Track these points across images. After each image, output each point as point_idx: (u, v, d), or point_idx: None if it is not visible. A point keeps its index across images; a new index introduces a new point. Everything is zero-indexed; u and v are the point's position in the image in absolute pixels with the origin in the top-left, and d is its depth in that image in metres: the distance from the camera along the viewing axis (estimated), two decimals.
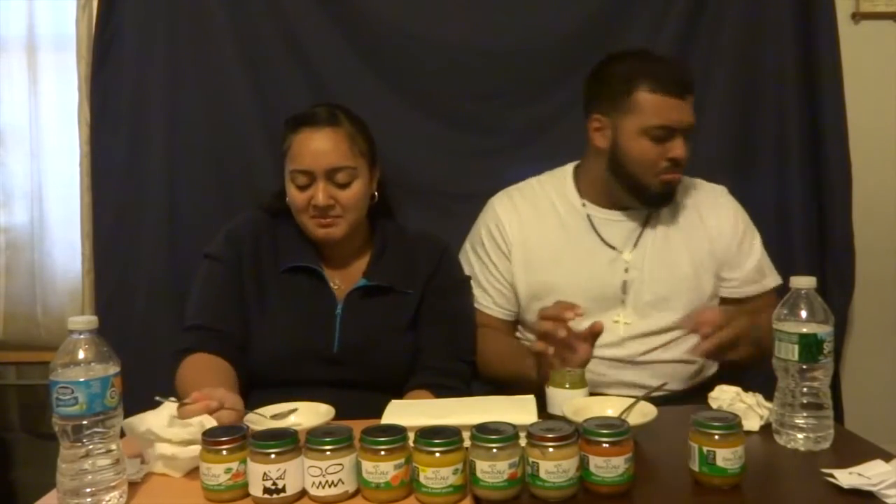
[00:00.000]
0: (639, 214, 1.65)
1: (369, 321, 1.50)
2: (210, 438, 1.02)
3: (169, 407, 1.15)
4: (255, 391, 1.46)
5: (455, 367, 1.53)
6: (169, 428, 1.10)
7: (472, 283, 1.68)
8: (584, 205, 1.66)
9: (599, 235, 1.64)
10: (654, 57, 1.63)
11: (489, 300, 1.68)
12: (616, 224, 1.65)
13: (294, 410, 1.24)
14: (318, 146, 1.48)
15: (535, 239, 1.65)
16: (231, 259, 1.53)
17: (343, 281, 1.54)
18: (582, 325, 1.37)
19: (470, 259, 1.72)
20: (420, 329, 1.55)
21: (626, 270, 1.62)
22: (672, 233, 1.66)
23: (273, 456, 0.98)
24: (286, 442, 0.99)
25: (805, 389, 1.16)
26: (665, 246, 1.64)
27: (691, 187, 1.72)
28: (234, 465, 1.00)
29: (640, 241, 1.64)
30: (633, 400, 1.23)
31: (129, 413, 1.08)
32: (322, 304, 1.51)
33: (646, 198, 1.61)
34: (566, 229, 1.65)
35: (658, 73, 1.55)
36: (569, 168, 1.73)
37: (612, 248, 1.63)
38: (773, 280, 1.71)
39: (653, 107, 1.54)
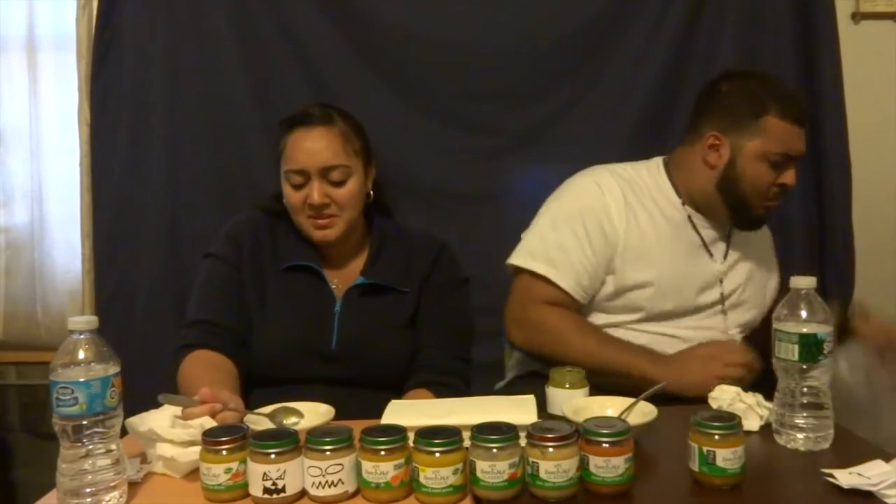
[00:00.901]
0: (722, 229, 1.66)
1: (367, 319, 1.51)
2: (210, 438, 1.02)
3: (171, 407, 1.15)
4: (256, 390, 1.46)
5: (454, 366, 1.53)
6: (171, 428, 1.10)
7: (555, 252, 1.59)
8: (683, 204, 1.64)
9: (701, 238, 1.63)
10: (778, 82, 1.63)
11: (574, 279, 1.58)
12: (708, 231, 1.64)
13: (298, 418, 1.24)
14: (312, 145, 1.49)
15: (642, 230, 1.60)
16: (232, 258, 1.53)
17: (341, 279, 1.55)
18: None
19: (561, 229, 1.60)
20: (418, 328, 1.55)
21: (721, 281, 1.63)
22: (749, 255, 1.68)
23: (273, 456, 0.98)
24: (286, 442, 0.99)
25: (805, 389, 1.16)
26: (745, 265, 1.67)
27: None
28: (234, 465, 1.00)
29: (728, 254, 1.65)
30: (633, 400, 1.23)
31: (129, 413, 1.08)
32: (321, 302, 1.52)
33: (744, 219, 1.62)
34: (671, 225, 1.62)
35: (786, 100, 1.55)
36: (658, 163, 1.69)
37: (710, 254, 1.63)
38: None
39: (780, 133, 1.54)
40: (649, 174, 1.67)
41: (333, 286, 1.53)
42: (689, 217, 1.64)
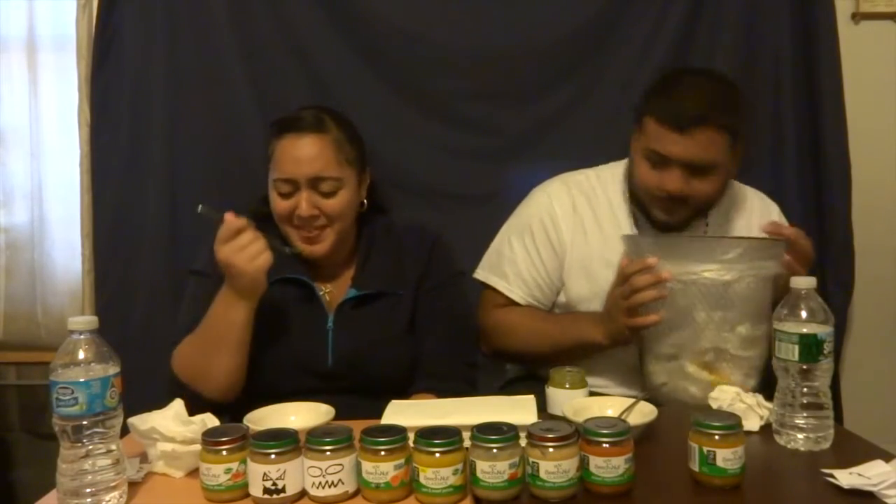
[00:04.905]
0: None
1: (363, 332, 1.46)
2: (210, 438, 1.02)
3: (174, 406, 1.15)
4: (254, 405, 1.42)
5: (460, 371, 1.50)
6: (172, 426, 1.10)
7: (507, 266, 1.63)
8: (630, 212, 1.62)
9: None
10: (681, 83, 1.55)
11: (524, 290, 1.63)
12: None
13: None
14: (302, 153, 1.43)
15: (588, 243, 1.60)
16: (217, 273, 1.40)
17: (333, 291, 1.51)
18: None
19: (512, 243, 1.66)
20: (419, 333, 1.51)
21: None
22: None
23: (273, 456, 0.98)
24: (286, 442, 1.00)
25: (805, 389, 1.16)
26: None
27: (745, 200, 1.70)
28: (234, 466, 1.00)
29: None
30: (632, 400, 1.23)
31: (129, 413, 1.08)
32: (312, 318, 1.46)
33: (652, 221, 1.59)
34: (622, 232, 1.59)
35: (665, 105, 1.50)
36: (623, 163, 1.68)
37: None
38: None
39: (654, 134, 1.51)
40: (612, 179, 1.67)
41: (325, 299, 1.48)
42: (636, 223, 1.61)
